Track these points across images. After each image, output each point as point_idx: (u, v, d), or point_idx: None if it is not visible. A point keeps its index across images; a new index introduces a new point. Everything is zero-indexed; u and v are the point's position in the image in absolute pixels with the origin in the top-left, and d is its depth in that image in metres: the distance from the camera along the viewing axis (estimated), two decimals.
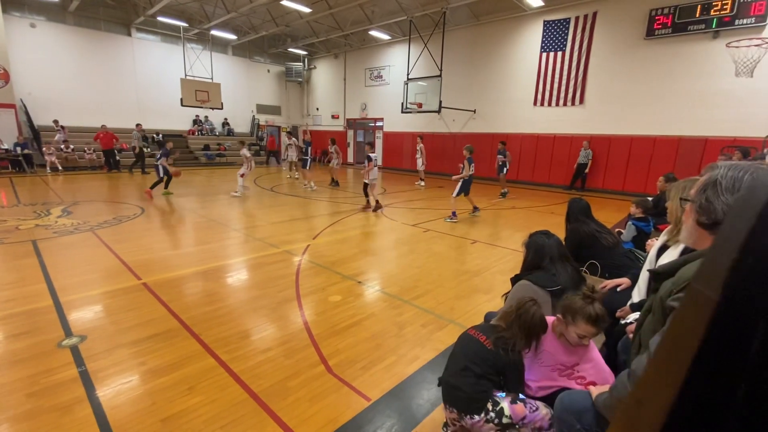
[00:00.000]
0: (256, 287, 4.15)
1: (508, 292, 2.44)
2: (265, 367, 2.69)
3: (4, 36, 13.56)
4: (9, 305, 3.54)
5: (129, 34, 16.94)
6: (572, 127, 12.76)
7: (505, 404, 1.72)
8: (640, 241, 3.86)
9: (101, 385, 2.45)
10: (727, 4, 9.52)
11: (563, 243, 2.51)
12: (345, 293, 4.01)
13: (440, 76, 13.14)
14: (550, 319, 1.96)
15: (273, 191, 11.16)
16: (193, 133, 19.22)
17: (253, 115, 21.68)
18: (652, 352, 1.16)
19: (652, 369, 0.38)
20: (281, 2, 13.49)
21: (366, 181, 8.42)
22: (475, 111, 15.23)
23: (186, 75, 16.23)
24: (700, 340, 0.31)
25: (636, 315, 1.99)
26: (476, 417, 1.72)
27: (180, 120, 18.67)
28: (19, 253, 5.01)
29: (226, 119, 20.42)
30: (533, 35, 13.24)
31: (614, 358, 2.01)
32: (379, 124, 19.41)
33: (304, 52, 21.49)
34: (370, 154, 8.34)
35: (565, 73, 12.64)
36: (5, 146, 13.33)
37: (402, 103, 14.32)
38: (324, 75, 22.04)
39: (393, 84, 17.77)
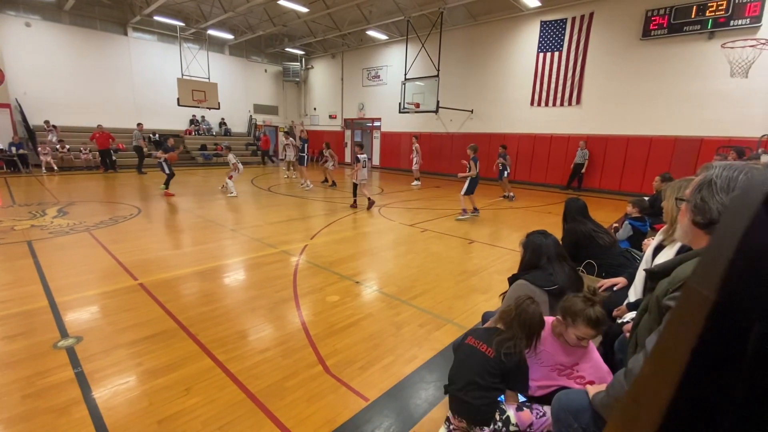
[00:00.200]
0: (254, 287, 4.14)
1: (506, 292, 2.44)
2: (262, 367, 2.68)
3: None
4: (4, 306, 3.52)
5: (125, 34, 16.85)
6: (569, 127, 12.80)
7: (510, 412, 1.73)
8: (637, 240, 3.89)
9: (97, 387, 2.44)
10: (722, 5, 9.58)
11: (560, 242, 2.52)
12: (343, 293, 4.01)
13: (437, 76, 13.14)
14: (548, 319, 1.96)
15: (270, 191, 11.14)
16: (190, 133, 19.14)
17: (251, 115, 21.62)
18: (648, 351, 1.17)
19: (648, 368, 0.38)
20: (278, 2, 13.46)
21: (355, 182, 8.70)
22: (472, 111, 15.26)
23: (183, 75, 16.13)
24: (697, 339, 0.31)
25: (632, 314, 2.00)
26: (486, 429, 1.74)
27: (177, 120, 18.56)
28: (14, 253, 4.97)
29: (223, 119, 20.34)
30: (530, 35, 13.27)
31: (611, 357, 2.02)
32: (376, 124, 19.40)
33: (302, 52, 21.45)
34: (359, 155, 8.52)
35: (561, 73, 12.68)
36: (0, 146, 13.25)
37: (399, 103, 14.31)
38: (321, 75, 22.00)
39: (390, 84, 17.76)
